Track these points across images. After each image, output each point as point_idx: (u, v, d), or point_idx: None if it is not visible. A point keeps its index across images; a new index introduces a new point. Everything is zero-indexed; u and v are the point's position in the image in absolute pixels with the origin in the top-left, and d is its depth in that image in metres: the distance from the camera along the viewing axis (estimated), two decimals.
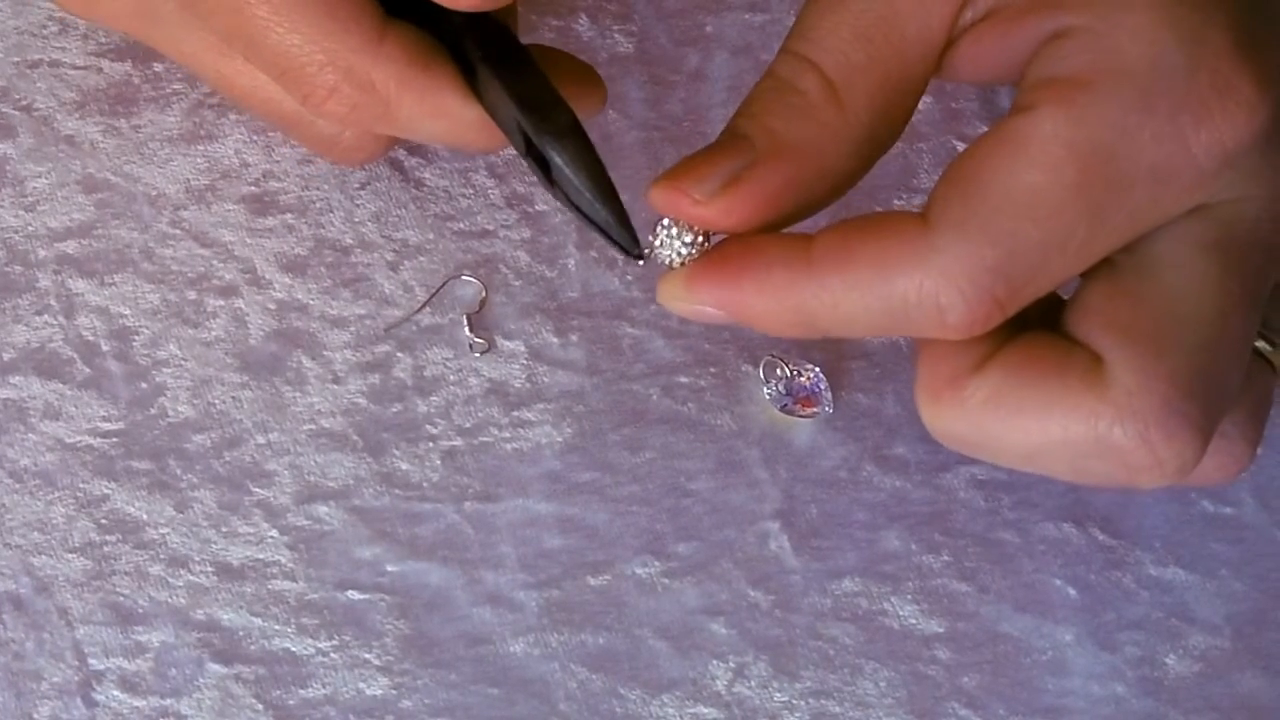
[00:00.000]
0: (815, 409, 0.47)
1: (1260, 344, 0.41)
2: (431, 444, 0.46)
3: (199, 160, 0.49)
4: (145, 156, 0.49)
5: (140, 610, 0.44)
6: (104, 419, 0.46)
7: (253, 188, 0.49)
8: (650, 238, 0.39)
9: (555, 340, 0.47)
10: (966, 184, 0.36)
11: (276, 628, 0.44)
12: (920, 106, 0.50)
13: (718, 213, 0.38)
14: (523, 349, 0.47)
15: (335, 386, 0.47)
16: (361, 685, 0.43)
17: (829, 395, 0.47)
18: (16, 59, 0.50)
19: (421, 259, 0.48)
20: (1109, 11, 0.36)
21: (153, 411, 0.46)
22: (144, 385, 0.46)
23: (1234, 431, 0.40)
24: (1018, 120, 0.36)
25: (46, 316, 0.47)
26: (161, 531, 0.45)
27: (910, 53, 0.38)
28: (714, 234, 0.39)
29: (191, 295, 0.47)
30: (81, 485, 0.45)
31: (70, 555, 0.44)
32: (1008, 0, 0.38)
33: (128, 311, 0.47)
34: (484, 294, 0.48)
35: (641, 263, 0.39)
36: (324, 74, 0.41)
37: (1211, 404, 0.37)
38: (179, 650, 0.43)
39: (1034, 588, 0.45)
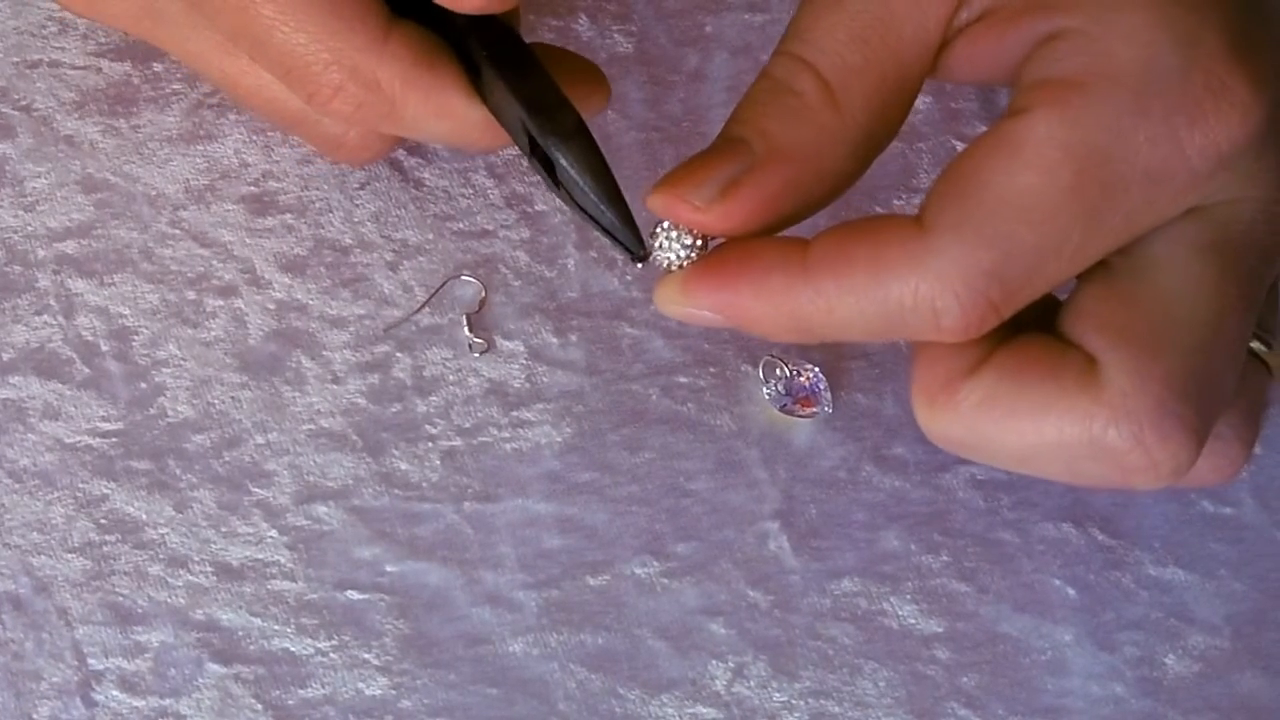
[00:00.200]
0: (814, 409, 0.47)
1: (1255, 345, 0.41)
2: (431, 444, 0.46)
3: (198, 160, 0.49)
4: (145, 156, 0.49)
5: (140, 610, 0.44)
6: (103, 419, 0.46)
7: (252, 188, 0.49)
8: (649, 239, 0.39)
9: (555, 340, 0.47)
10: (962, 187, 0.36)
11: (276, 628, 0.44)
12: (919, 106, 0.51)
13: (717, 218, 0.38)
14: (522, 349, 0.47)
15: (335, 386, 0.47)
16: (361, 685, 0.43)
17: (828, 395, 0.47)
18: (16, 59, 0.50)
19: (421, 259, 0.48)
20: (1103, 13, 0.36)
21: (152, 411, 0.46)
22: (143, 385, 0.46)
23: (1229, 433, 0.40)
24: (1012, 123, 0.36)
25: (46, 316, 0.47)
26: (161, 531, 0.45)
27: (906, 53, 0.38)
28: (712, 237, 0.39)
29: (191, 295, 0.47)
30: (81, 485, 0.45)
31: (69, 555, 0.44)
32: (1003, 1, 0.38)
33: (127, 311, 0.47)
34: (483, 294, 0.48)
35: (640, 265, 0.39)
36: (329, 73, 0.41)
37: (1206, 406, 0.37)
38: (178, 650, 0.43)
39: (1033, 588, 0.45)
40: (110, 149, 0.49)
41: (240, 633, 0.44)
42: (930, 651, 0.44)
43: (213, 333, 0.47)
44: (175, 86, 0.50)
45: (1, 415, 0.46)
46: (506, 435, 0.46)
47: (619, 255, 0.47)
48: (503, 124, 0.41)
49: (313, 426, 0.46)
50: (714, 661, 0.44)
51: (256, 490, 0.45)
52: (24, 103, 0.49)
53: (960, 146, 0.50)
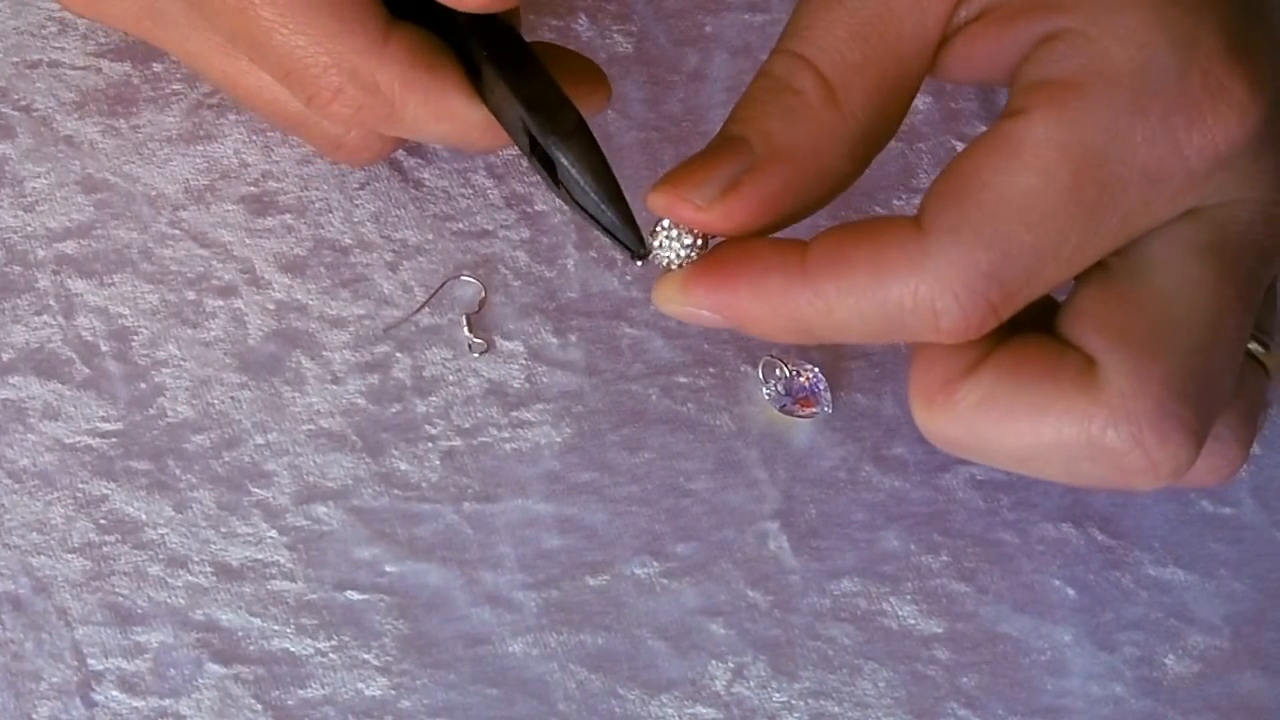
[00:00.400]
0: (814, 409, 0.47)
1: (1253, 346, 0.41)
2: (430, 444, 0.46)
3: (198, 160, 0.49)
4: (144, 157, 0.49)
5: (139, 610, 0.44)
6: (103, 419, 0.46)
7: (252, 188, 0.49)
8: (649, 238, 0.39)
9: (554, 340, 0.47)
10: (960, 188, 0.36)
11: (275, 628, 0.44)
12: (919, 106, 0.51)
13: (718, 217, 0.38)
14: (522, 349, 0.47)
15: (334, 387, 0.47)
16: (360, 685, 0.43)
17: (828, 395, 0.47)
18: (16, 59, 0.50)
19: (421, 259, 0.48)
20: (1101, 14, 0.36)
21: (152, 412, 0.46)
22: (143, 385, 0.46)
23: (1227, 434, 0.40)
24: (1010, 124, 0.36)
25: (45, 317, 0.47)
26: (160, 532, 0.45)
27: (906, 51, 0.38)
28: (713, 236, 0.39)
29: (190, 295, 0.47)
30: (80, 485, 0.45)
31: (69, 555, 0.44)
32: (1001, 0, 0.38)
33: (127, 312, 0.47)
34: (483, 294, 0.48)
35: (640, 264, 0.39)
36: (329, 75, 0.41)
37: (1205, 407, 0.37)
38: (178, 650, 0.43)
39: (1033, 588, 0.45)
40: (110, 149, 0.49)
41: (240, 633, 0.44)
42: (930, 652, 0.44)
43: (212, 333, 0.47)
44: (175, 87, 0.50)
45: (1, 415, 0.46)
46: (506, 435, 0.46)
47: (619, 255, 0.47)
48: (503, 124, 0.41)
49: (312, 427, 0.46)
50: (714, 662, 0.44)
51: (256, 490, 0.45)
52: (24, 103, 0.49)
53: (960, 146, 0.50)
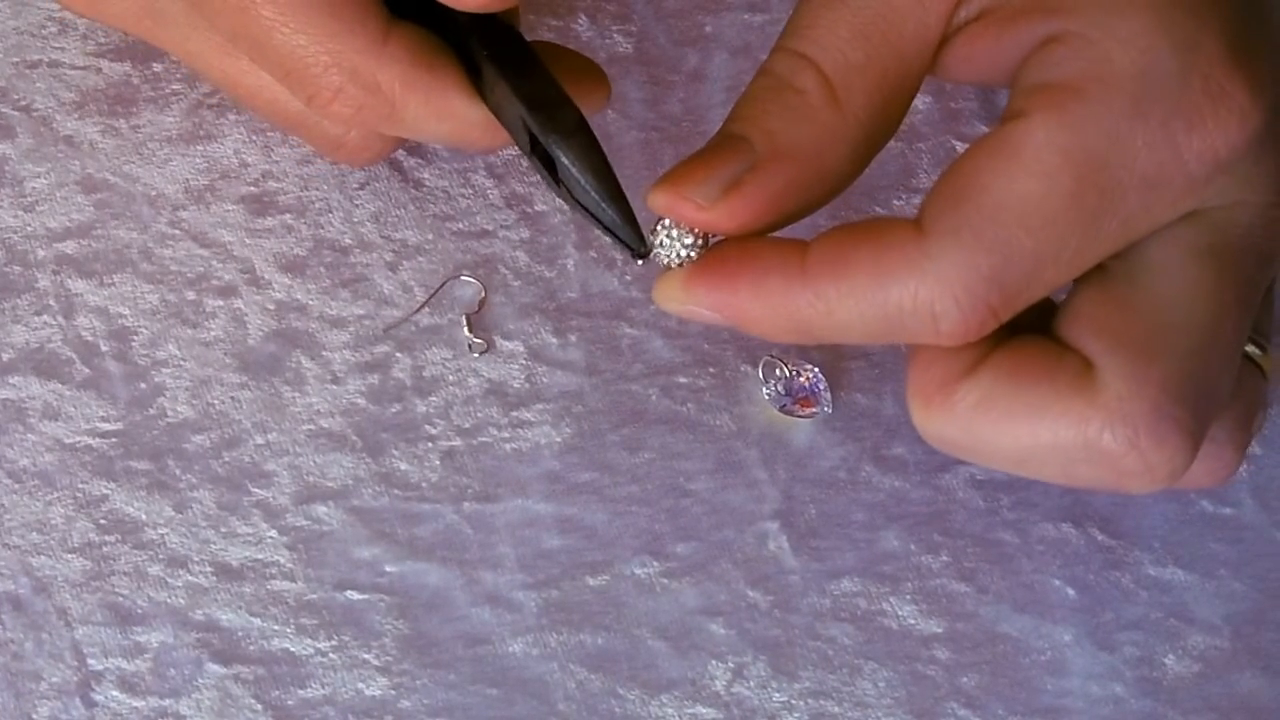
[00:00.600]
0: (814, 409, 0.47)
1: (1250, 348, 0.41)
2: (430, 444, 0.46)
3: (198, 160, 0.49)
4: (144, 157, 0.49)
5: (139, 610, 0.44)
6: (103, 419, 0.46)
7: (252, 188, 0.49)
8: (650, 237, 0.39)
9: (554, 340, 0.47)
10: (961, 191, 0.36)
11: (275, 628, 0.44)
12: (919, 106, 0.51)
13: (719, 216, 0.38)
14: (522, 349, 0.47)
15: (334, 387, 0.47)
16: (360, 685, 0.43)
17: (828, 395, 0.47)
18: (16, 59, 0.50)
19: (420, 259, 0.48)
20: (1102, 16, 0.36)
21: (152, 412, 0.46)
22: (143, 385, 0.46)
23: (1223, 436, 0.40)
24: (1011, 127, 0.36)
25: (45, 317, 0.47)
26: (160, 532, 0.45)
27: (907, 50, 0.38)
28: (713, 235, 0.39)
29: (190, 295, 0.47)
30: (80, 485, 0.45)
31: (69, 555, 0.44)
32: (1002, 1, 0.38)
33: (127, 312, 0.47)
34: (483, 294, 0.48)
35: (641, 262, 0.39)
36: (329, 75, 0.41)
37: (1202, 410, 0.37)
38: (178, 650, 0.43)
39: (1033, 588, 0.45)
40: (110, 149, 0.49)
41: (240, 633, 0.44)
42: (930, 651, 0.44)
43: (212, 333, 0.47)
44: (175, 86, 0.50)
45: (1, 415, 0.46)
46: (506, 435, 0.46)
47: (619, 254, 0.47)
48: (503, 123, 0.41)
49: (312, 427, 0.46)
50: (714, 661, 0.44)
51: (256, 490, 0.45)
52: (24, 103, 0.49)
53: (960, 146, 0.50)
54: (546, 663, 0.44)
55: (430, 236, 0.48)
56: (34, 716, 0.43)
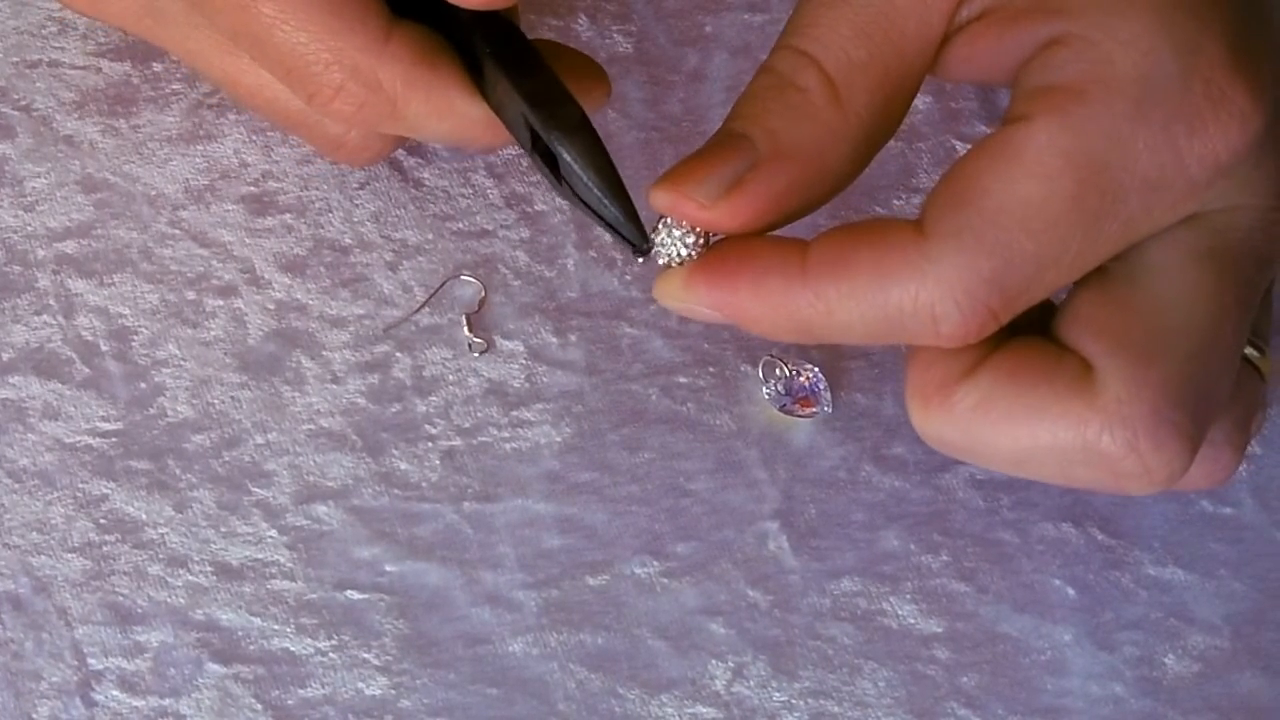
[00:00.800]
0: (814, 409, 0.47)
1: (1249, 351, 0.41)
2: (430, 444, 0.46)
3: (198, 160, 0.49)
4: (144, 156, 0.49)
5: (139, 610, 0.44)
6: (103, 419, 0.46)
7: (252, 188, 0.49)
8: (651, 235, 0.39)
9: (554, 340, 0.47)
10: (962, 193, 0.36)
11: (275, 627, 0.44)
12: (919, 106, 0.51)
13: (722, 215, 0.38)
14: (522, 349, 0.47)
15: (334, 386, 0.47)
16: (360, 685, 0.43)
17: (828, 395, 0.47)
18: (16, 59, 0.50)
19: (420, 259, 0.48)
20: (1104, 19, 0.36)
21: (152, 411, 0.46)
22: (143, 385, 0.46)
23: (1221, 438, 0.40)
24: (1013, 130, 0.36)
25: (45, 316, 0.47)
26: (160, 531, 0.45)
27: (909, 49, 0.38)
28: (714, 233, 0.39)
29: (190, 295, 0.47)
30: (80, 485, 0.45)
31: (69, 555, 0.44)
32: (1004, 1, 0.38)
33: (127, 311, 0.47)
34: (483, 294, 0.48)
35: (641, 260, 0.39)
36: (330, 73, 0.41)
37: (1201, 413, 0.37)
38: (178, 650, 0.43)
39: (1033, 588, 0.45)
40: (110, 149, 0.49)
41: (240, 633, 0.44)
42: (930, 651, 0.44)
43: (212, 333, 0.47)
44: (175, 86, 0.50)
45: (1, 415, 0.46)
46: (506, 435, 0.46)
47: (619, 253, 0.47)
48: (504, 121, 0.41)
49: (312, 426, 0.46)
50: (714, 661, 0.44)
51: (256, 490, 0.45)
52: (24, 103, 0.49)
53: (960, 146, 0.50)
54: (546, 662, 0.44)
55: (430, 236, 0.48)
56: (34, 716, 0.43)
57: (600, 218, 0.39)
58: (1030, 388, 0.38)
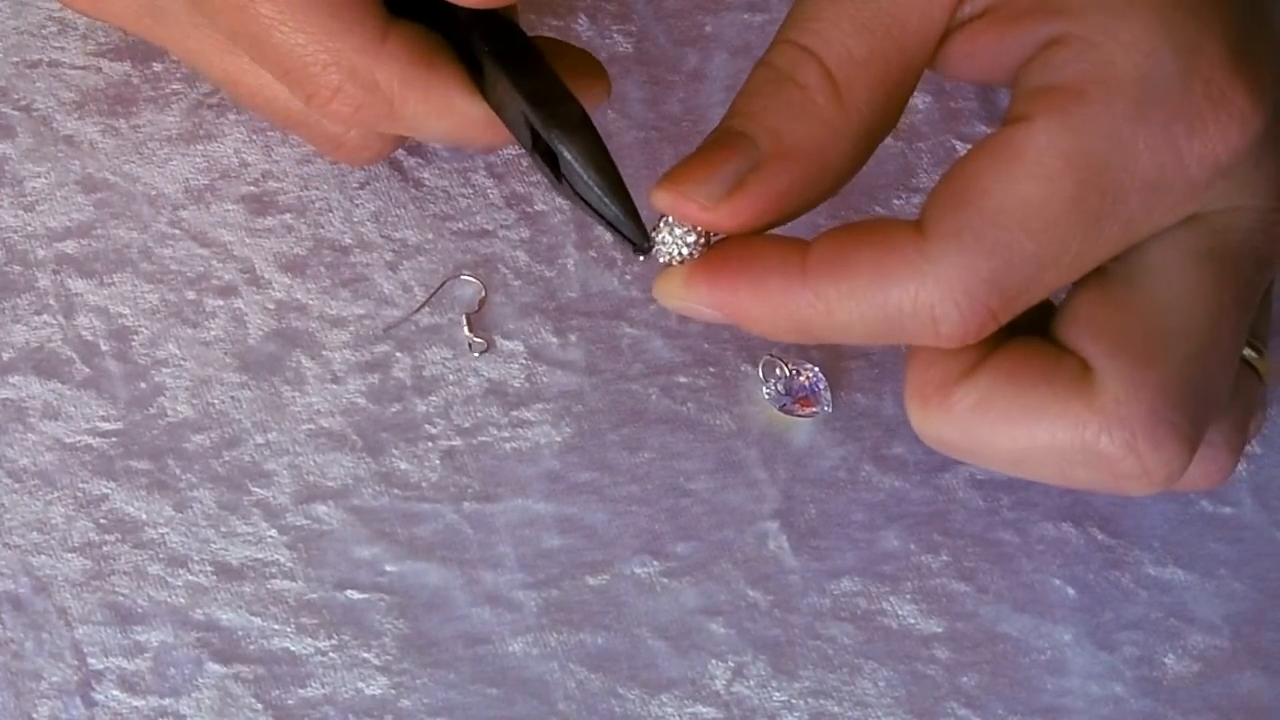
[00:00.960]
0: (814, 409, 0.47)
1: (1247, 352, 0.41)
2: (430, 444, 0.46)
3: (198, 160, 0.49)
4: (144, 156, 0.49)
5: (139, 610, 0.44)
6: (103, 419, 0.46)
7: (252, 188, 0.49)
8: (651, 234, 0.39)
9: (554, 340, 0.47)
10: (962, 194, 0.36)
11: (275, 627, 0.44)
12: (919, 106, 0.51)
13: (724, 216, 0.38)
14: (522, 349, 0.47)
15: (334, 386, 0.47)
16: (360, 685, 0.43)
17: (828, 395, 0.47)
18: (16, 59, 0.50)
19: (420, 259, 0.48)
20: (1105, 19, 0.36)
21: (152, 411, 0.46)
22: (143, 385, 0.46)
23: (1219, 439, 0.40)
24: (1013, 130, 0.36)
25: (45, 316, 0.47)
26: (160, 531, 0.45)
27: (910, 45, 0.38)
28: (715, 232, 0.39)
29: (190, 295, 0.47)
30: (80, 485, 0.45)
31: (69, 555, 0.44)
32: None
33: (127, 311, 0.47)
34: (483, 294, 0.48)
35: (642, 258, 0.39)
36: (328, 74, 0.41)
37: (1199, 414, 0.37)
38: (178, 650, 0.43)
39: (1033, 587, 0.45)
40: (110, 149, 0.49)
41: (240, 632, 0.44)
42: (930, 651, 0.44)
43: (212, 333, 0.47)
44: (175, 86, 0.50)
45: (1, 415, 0.46)
46: (506, 435, 0.46)
47: (620, 251, 0.47)
48: (504, 120, 0.41)
49: (312, 426, 0.46)
50: (714, 661, 0.44)
51: (256, 490, 0.45)
52: (24, 103, 0.49)
53: (960, 146, 0.50)
54: (546, 662, 0.44)
55: (430, 236, 0.48)
56: (34, 716, 0.43)
57: (601, 216, 0.39)
58: (1029, 388, 0.38)
